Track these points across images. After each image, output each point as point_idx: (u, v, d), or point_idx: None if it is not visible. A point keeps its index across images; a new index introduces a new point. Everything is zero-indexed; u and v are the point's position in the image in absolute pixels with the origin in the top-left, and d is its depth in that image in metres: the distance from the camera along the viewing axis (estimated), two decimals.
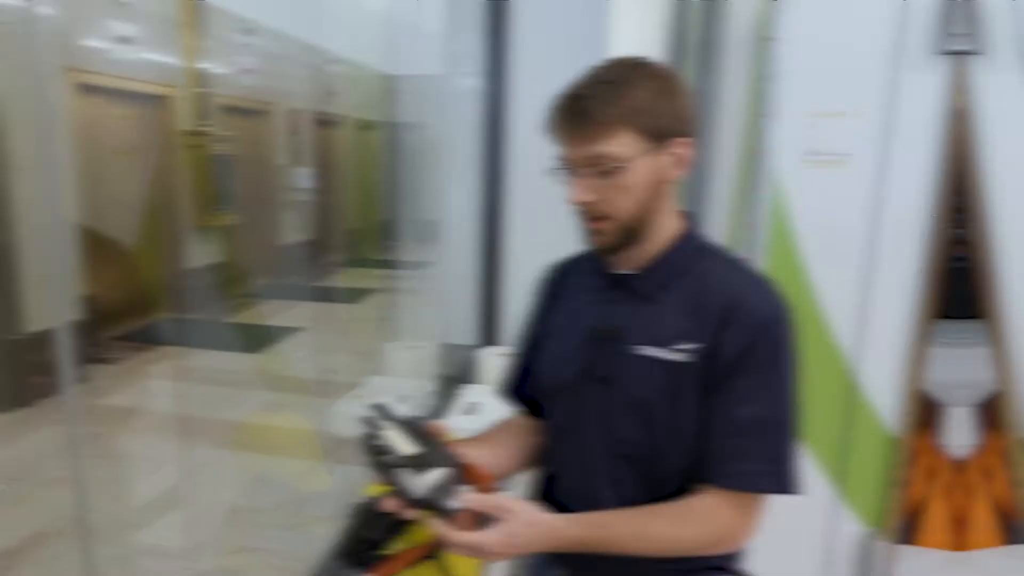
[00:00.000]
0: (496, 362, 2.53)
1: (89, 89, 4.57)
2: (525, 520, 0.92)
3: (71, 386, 1.74)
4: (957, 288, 3.86)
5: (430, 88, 3.24)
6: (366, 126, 9.70)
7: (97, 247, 4.65)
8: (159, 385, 4.64)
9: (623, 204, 0.97)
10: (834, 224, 1.76)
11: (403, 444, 0.90)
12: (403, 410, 0.94)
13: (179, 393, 4.54)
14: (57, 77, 4.17)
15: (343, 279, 8.28)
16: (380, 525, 0.98)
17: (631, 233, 1.00)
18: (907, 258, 1.75)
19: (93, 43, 4.62)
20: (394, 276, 6.42)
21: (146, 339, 5.09)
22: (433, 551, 1.01)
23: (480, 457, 1.03)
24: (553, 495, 1.13)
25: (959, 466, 2.12)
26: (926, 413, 2.16)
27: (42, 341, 3.93)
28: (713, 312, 0.97)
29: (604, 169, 0.95)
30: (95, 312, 4.49)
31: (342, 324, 6.67)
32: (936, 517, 2.05)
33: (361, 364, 5.39)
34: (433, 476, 0.88)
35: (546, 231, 2.98)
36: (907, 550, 2.04)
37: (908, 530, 2.10)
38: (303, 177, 7.56)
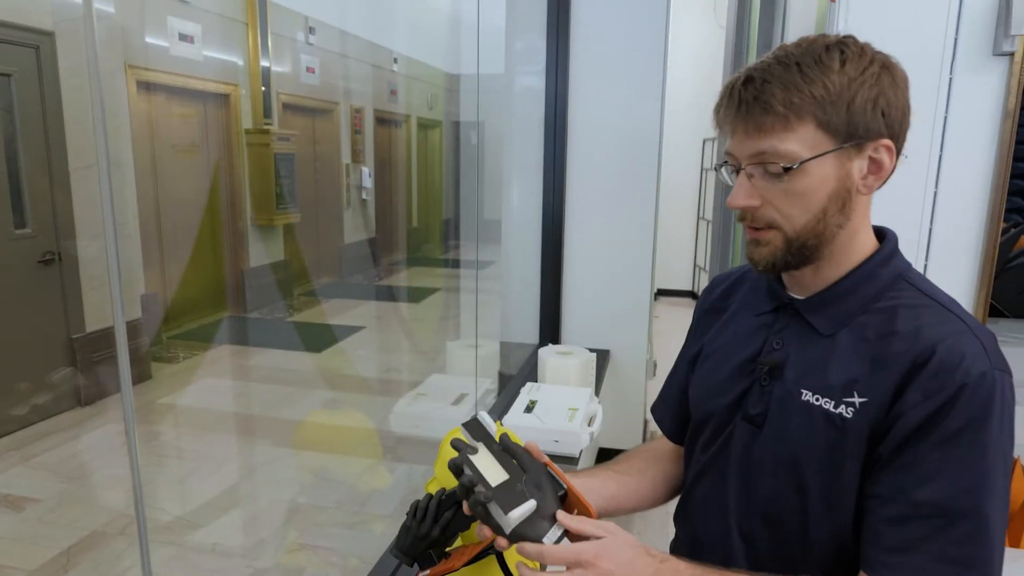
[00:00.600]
0: (556, 360, 2.49)
1: (150, 87, 4.62)
2: (628, 541, 0.78)
3: (127, 385, 1.68)
4: (1014, 286, 3.68)
5: (492, 87, 3.21)
6: (429, 125, 9.71)
7: (158, 246, 4.71)
8: (220, 384, 4.66)
9: (793, 214, 0.80)
10: (889, 224, 1.77)
11: (495, 472, 0.81)
12: (495, 427, 0.86)
13: (240, 392, 4.56)
14: (118, 75, 4.22)
15: (405, 278, 8.33)
16: (439, 522, 0.97)
17: (802, 250, 0.82)
18: (963, 258, 1.75)
19: (154, 41, 4.67)
20: (456, 275, 6.39)
21: (208, 338, 5.15)
22: (492, 549, 0.96)
23: (605, 487, 0.96)
24: (681, 532, 1.02)
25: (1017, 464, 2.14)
26: None
27: (102, 340, 4.00)
28: (899, 362, 0.77)
29: (774, 170, 0.78)
30: (156, 311, 4.54)
31: (404, 323, 6.68)
32: None
33: (423, 363, 5.38)
34: (524, 509, 0.79)
35: (608, 231, 3.03)
36: None
37: None
38: (365, 176, 7.60)
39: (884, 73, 0.78)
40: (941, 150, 1.67)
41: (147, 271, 4.53)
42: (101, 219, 3.85)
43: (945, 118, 1.66)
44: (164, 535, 2.85)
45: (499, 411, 2.28)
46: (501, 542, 0.80)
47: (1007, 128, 1.57)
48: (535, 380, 2.54)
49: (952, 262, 1.72)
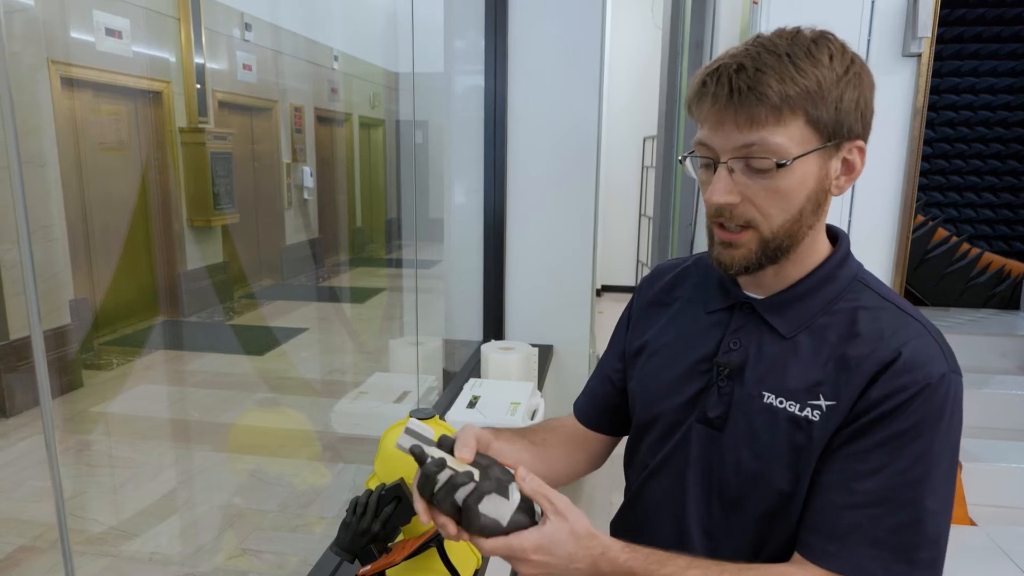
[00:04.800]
0: (498, 356, 2.51)
1: (76, 83, 4.45)
2: (571, 529, 0.74)
3: (47, 394, 1.61)
4: (932, 276, 3.82)
5: (434, 85, 3.22)
6: (371, 124, 9.61)
7: (89, 249, 4.54)
8: (156, 390, 4.53)
9: (773, 213, 0.76)
10: None
11: (464, 469, 0.76)
12: (431, 430, 0.79)
13: (177, 397, 4.44)
14: (40, 70, 4.05)
15: (350, 279, 8.24)
16: (379, 517, 0.95)
17: (776, 252, 0.79)
18: (880, 247, 1.82)
19: (80, 36, 4.49)
20: (401, 275, 6.36)
21: (143, 343, 5.00)
22: (432, 541, 0.97)
23: (519, 456, 0.92)
24: (624, 538, 0.95)
25: None
26: None
27: (27, 348, 3.83)
28: (865, 364, 0.77)
29: (760, 165, 0.74)
30: (87, 316, 4.38)
31: (348, 324, 6.60)
32: None
33: (368, 363, 5.33)
34: (516, 492, 0.75)
35: (549, 228, 3.07)
36: None
37: None
38: (307, 175, 7.49)
39: (864, 73, 0.78)
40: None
41: (76, 275, 4.36)
42: (25, 222, 3.69)
43: None
44: (97, 546, 2.76)
45: (443, 407, 2.28)
46: (486, 544, 0.74)
47: (916, 125, 1.66)
48: (478, 376, 2.55)
49: (870, 252, 1.78)
